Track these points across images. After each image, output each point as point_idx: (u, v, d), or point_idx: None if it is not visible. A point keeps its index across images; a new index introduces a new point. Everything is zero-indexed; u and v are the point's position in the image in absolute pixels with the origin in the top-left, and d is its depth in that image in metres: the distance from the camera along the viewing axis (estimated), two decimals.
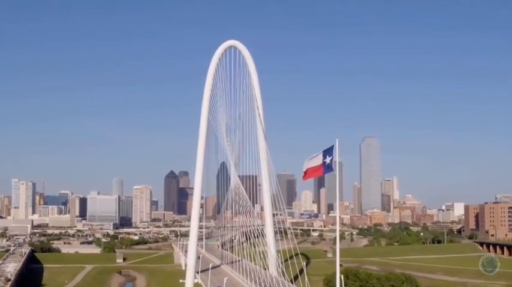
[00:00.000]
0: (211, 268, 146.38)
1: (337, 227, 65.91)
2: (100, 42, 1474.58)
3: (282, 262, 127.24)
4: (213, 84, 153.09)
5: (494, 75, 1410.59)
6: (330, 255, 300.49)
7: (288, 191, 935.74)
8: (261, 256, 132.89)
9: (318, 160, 67.81)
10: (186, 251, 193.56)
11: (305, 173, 69.51)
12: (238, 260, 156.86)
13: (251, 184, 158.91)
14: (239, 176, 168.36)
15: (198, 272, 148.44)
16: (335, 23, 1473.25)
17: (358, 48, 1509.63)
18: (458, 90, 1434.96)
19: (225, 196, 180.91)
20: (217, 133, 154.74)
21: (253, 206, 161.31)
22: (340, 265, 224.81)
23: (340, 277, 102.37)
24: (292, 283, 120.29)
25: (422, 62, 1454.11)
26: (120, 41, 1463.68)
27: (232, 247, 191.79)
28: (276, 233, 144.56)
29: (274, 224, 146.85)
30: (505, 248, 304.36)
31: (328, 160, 66.78)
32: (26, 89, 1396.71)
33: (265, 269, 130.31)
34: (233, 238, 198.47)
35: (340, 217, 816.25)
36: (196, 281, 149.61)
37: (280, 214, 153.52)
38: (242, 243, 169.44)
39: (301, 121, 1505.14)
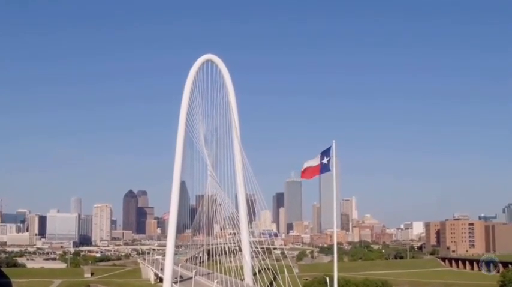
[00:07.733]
0: (187, 279, 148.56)
1: (334, 221, 68.03)
2: (62, 61, 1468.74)
3: (257, 272, 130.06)
4: (190, 97, 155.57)
5: (453, 94, 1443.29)
6: (296, 270, 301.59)
7: (248, 211, 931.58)
8: (235, 269, 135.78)
9: (316, 161, 71.32)
10: (161, 268, 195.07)
11: (303, 172, 73.19)
12: (211, 273, 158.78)
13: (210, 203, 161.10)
14: (197, 196, 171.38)
15: (176, 283, 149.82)
16: (301, 43, 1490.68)
17: (315, 68, 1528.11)
18: (416, 110, 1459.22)
19: (183, 214, 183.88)
20: (196, 142, 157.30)
21: (213, 225, 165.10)
22: (305, 280, 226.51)
23: (326, 279, 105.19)
24: None
25: (382, 82, 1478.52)
26: (80, 61, 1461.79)
27: (201, 262, 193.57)
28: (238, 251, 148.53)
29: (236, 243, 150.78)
30: (467, 262, 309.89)
31: (325, 160, 70.25)
32: None
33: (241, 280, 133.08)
34: (198, 254, 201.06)
35: (300, 235, 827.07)
36: None
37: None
38: (211, 258, 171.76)
39: (259, 140, 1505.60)
